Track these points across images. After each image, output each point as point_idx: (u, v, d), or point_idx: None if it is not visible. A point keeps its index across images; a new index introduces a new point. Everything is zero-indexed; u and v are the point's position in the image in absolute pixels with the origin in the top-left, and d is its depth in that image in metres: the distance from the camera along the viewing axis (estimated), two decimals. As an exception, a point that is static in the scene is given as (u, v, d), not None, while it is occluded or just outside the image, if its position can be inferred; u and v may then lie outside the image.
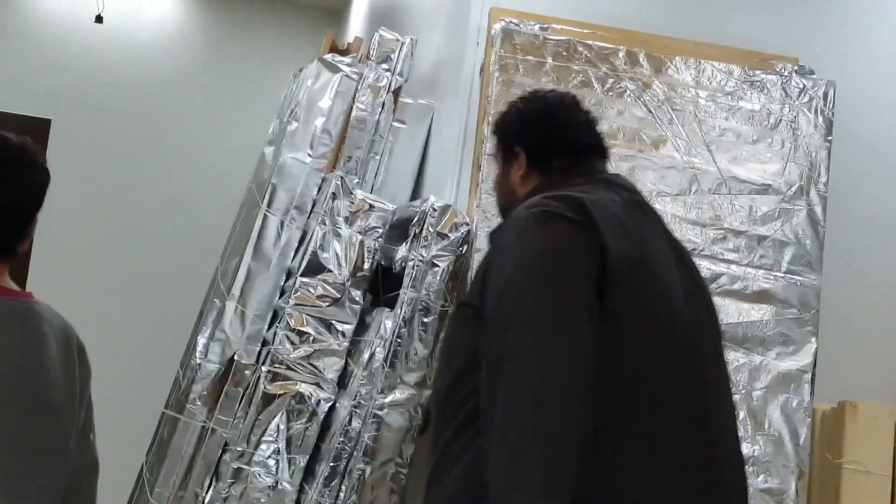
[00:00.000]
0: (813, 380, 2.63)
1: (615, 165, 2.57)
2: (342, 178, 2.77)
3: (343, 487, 2.55)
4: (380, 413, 2.54)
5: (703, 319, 1.62)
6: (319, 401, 2.61)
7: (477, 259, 2.56)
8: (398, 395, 2.57)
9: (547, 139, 1.79)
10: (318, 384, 2.59)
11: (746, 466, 2.25)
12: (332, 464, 2.55)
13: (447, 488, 1.68)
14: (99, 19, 4.66)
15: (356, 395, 2.60)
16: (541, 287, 1.44)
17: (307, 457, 2.59)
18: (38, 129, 4.87)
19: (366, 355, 2.62)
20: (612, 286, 1.45)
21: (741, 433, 2.22)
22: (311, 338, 2.54)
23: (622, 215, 1.55)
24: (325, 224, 2.73)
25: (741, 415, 2.51)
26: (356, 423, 2.57)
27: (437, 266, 2.63)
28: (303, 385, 2.51)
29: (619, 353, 1.47)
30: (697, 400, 1.52)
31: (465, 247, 2.65)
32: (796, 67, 2.77)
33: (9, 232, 1.56)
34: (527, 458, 1.44)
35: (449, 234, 2.65)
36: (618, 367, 1.46)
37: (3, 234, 1.57)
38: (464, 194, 2.75)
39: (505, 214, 1.88)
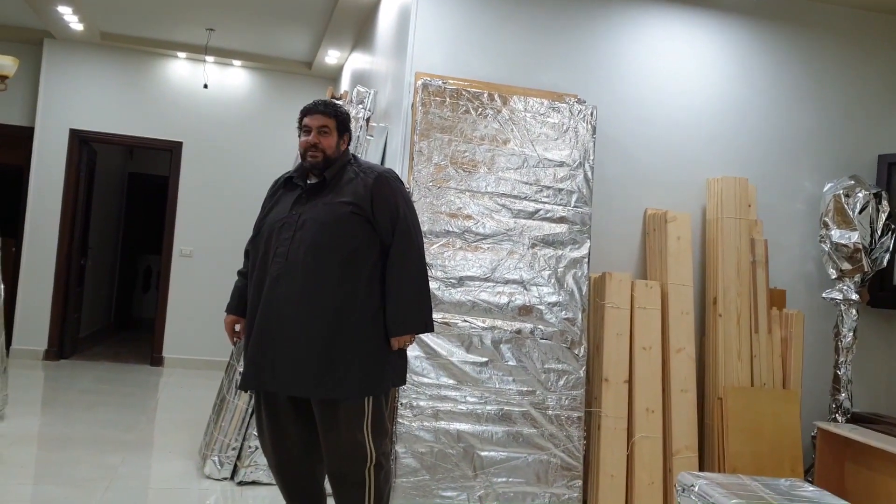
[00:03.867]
0: (588, 261, 4.33)
1: (487, 156, 4.30)
2: None
3: None
4: None
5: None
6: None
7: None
8: None
9: (351, 133, 3.19)
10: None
11: (557, 308, 4.14)
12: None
13: (368, 312, 2.93)
14: (206, 86, 7.66)
15: None
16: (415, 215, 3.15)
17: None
18: (175, 147, 7.70)
19: None
20: None
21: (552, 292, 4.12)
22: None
23: None
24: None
25: (552, 281, 4.36)
26: None
27: None
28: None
29: None
30: None
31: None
32: (577, 99, 4.51)
33: None
34: (427, 298, 3.05)
35: None
36: None
37: None
38: (405, 174, 4.27)
39: (329, 163, 3.04)
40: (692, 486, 3.12)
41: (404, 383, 3.18)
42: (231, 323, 3.23)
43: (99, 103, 7.91)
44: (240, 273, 3.26)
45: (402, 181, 3.19)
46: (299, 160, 3.19)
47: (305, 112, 3.14)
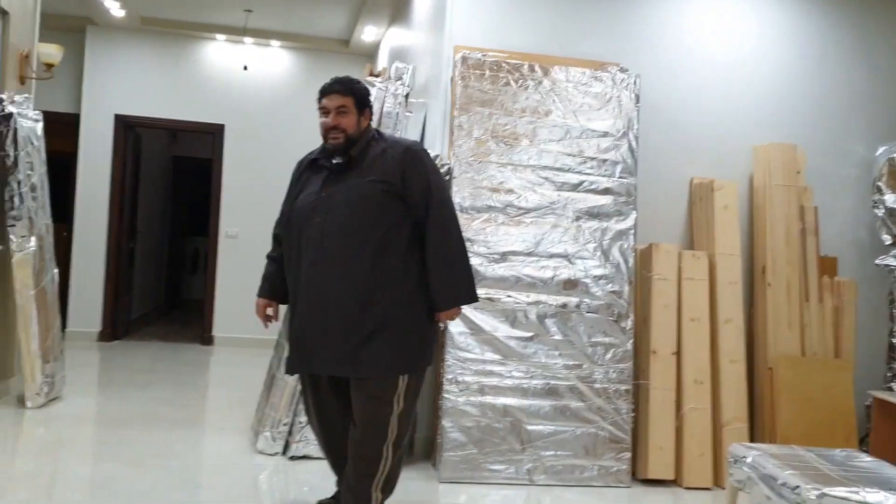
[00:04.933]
0: (634, 233, 4.27)
1: (528, 128, 4.26)
2: None
3: None
4: None
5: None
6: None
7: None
8: None
9: (371, 108, 3.13)
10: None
11: (603, 281, 4.12)
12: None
13: (404, 290, 2.90)
14: (245, 68, 7.75)
15: None
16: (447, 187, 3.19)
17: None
18: (217, 130, 7.87)
19: None
20: None
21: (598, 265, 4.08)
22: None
23: None
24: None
25: (598, 253, 4.26)
26: None
27: None
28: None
29: None
30: None
31: (448, 176, 4.08)
32: (619, 68, 4.44)
33: None
34: (469, 268, 3.05)
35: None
36: None
37: None
38: (445, 149, 4.29)
39: (351, 142, 2.97)
40: (745, 457, 3.08)
41: (431, 363, 3.17)
42: (263, 306, 3.24)
43: (142, 88, 8.00)
44: (270, 258, 3.28)
45: (429, 153, 3.17)
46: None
47: (322, 93, 3.07)
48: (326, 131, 3.02)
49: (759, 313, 4.53)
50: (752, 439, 4.39)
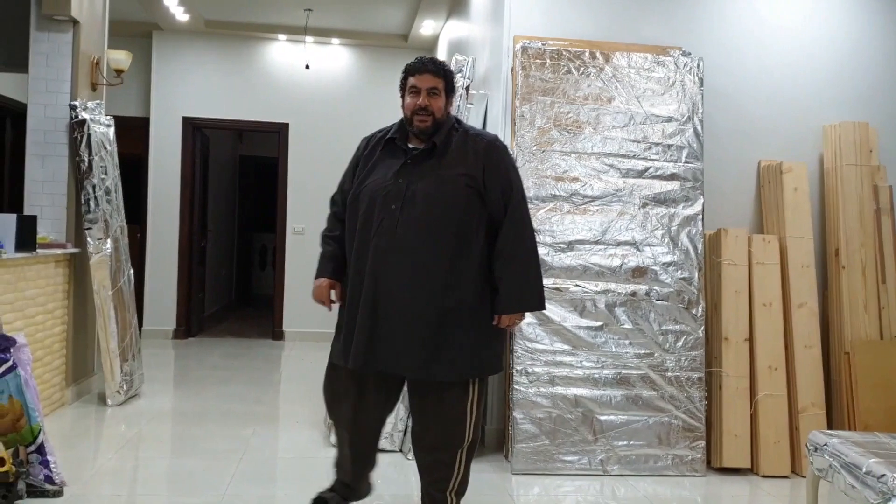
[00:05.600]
0: (702, 218, 4.21)
1: (591, 116, 4.24)
2: None
3: None
4: None
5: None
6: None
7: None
8: None
9: (456, 89, 2.98)
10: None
11: (672, 268, 4.05)
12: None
13: (478, 292, 2.79)
14: (307, 67, 7.88)
15: None
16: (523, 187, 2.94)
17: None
18: (282, 129, 8.00)
19: None
20: None
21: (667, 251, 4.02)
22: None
23: None
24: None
25: (666, 240, 4.21)
26: None
27: None
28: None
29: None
30: None
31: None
32: (682, 52, 4.39)
33: None
34: (540, 274, 2.89)
35: None
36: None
37: None
38: (508, 139, 4.27)
39: (438, 126, 2.82)
40: (825, 445, 3.01)
41: (501, 370, 3.04)
42: (327, 287, 2.97)
43: (207, 90, 8.17)
44: (328, 238, 3.04)
45: (508, 150, 3.03)
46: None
47: (412, 71, 2.88)
48: (413, 112, 2.85)
49: (834, 297, 4.42)
50: (830, 426, 4.29)
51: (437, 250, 2.76)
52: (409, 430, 4.06)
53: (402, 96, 2.91)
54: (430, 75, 2.86)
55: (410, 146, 2.90)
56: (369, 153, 2.98)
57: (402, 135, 2.93)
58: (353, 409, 2.94)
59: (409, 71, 2.90)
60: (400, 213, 2.77)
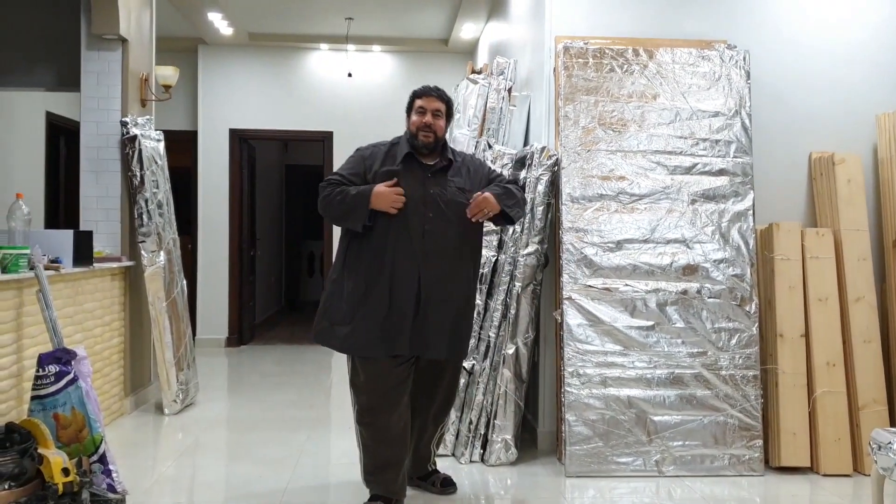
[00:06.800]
0: (753, 213, 4.15)
1: (636, 113, 4.21)
2: (487, 140, 4.43)
3: (506, 297, 4.12)
4: (521, 259, 4.10)
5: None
6: (489, 257, 4.17)
7: (556, 174, 4.07)
8: (530, 248, 4.11)
9: (453, 115, 3.52)
10: (486, 247, 4.11)
11: (724, 265, 4.00)
12: (502, 287, 4.12)
13: (473, 268, 3.41)
14: (350, 75, 7.93)
15: (508, 251, 4.18)
16: None
17: (486, 286, 4.15)
18: (326, 137, 8.06)
19: (510, 230, 4.14)
20: None
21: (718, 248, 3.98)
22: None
23: None
24: (481, 165, 4.43)
25: (716, 237, 4.14)
26: (509, 266, 4.14)
27: (542, 179, 4.11)
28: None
29: None
30: None
31: (556, 167, 4.10)
32: (727, 45, 4.32)
33: None
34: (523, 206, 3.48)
35: (546, 162, 4.12)
36: None
37: None
38: (552, 140, 4.28)
39: (438, 144, 3.32)
40: (889, 443, 2.93)
41: None
42: (391, 185, 3.21)
43: (253, 101, 8.27)
44: (343, 186, 3.27)
45: None
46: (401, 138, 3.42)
47: (420, 94, 3.37)
48: (418, 129, 3.31)
49: (892, 290, 4.31)
50: (893, 423, 4.18)
51: (465, 251, 3.34)
52: (438, 422, 3.92)
53: (408, 116, 3.39)
54: (436, 99, 3.36)
55: (426, 162, 3.34)
56: (381, 162, 3.33)
57: (412, 149, 3.34)
58: (394, 394, 3.27)
59: (416, 94, 3.40)
60: (437, 219, 3.25)
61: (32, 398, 3.32)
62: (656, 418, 4.00)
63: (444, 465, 3.91)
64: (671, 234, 4.14)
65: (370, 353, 3.24)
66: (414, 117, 3.34)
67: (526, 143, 4.72)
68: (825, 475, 4.02)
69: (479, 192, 3.27)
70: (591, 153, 4.18)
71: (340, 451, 4.43)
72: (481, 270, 4.07)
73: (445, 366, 3.44)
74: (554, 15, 4.41)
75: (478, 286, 3.70)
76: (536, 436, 4.38)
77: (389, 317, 3.22)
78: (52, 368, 3.31)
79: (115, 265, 4.93)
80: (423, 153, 3.32)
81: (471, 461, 4.15)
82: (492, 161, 4.33)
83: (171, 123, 7.91)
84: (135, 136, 5.08)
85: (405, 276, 3.22)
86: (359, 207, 3.20)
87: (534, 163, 4.19)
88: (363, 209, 3.19)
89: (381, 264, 3.23)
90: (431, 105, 3.33)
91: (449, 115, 3.40)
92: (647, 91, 4.25)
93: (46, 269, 3.78)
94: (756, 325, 4.11)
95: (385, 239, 3.24)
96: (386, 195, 3.18)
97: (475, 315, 4.06)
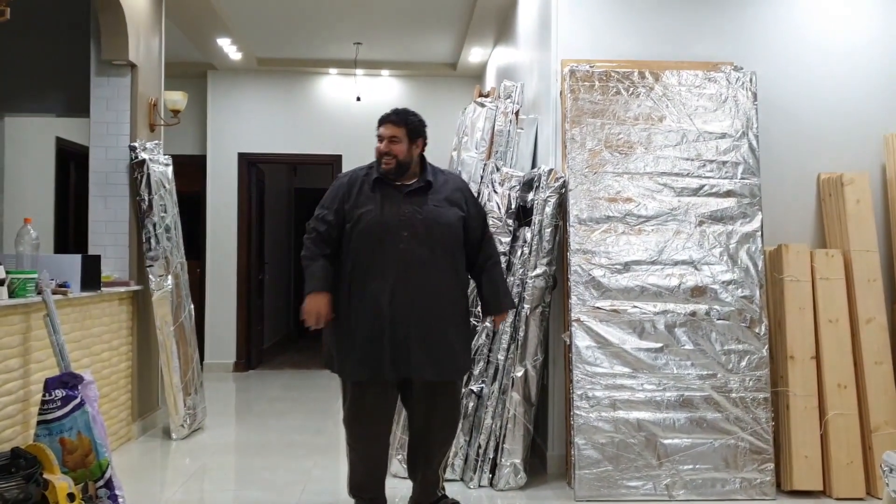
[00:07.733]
0: (762, 234, 4.13)
1: (643, 136, 4.20)
2: (494, 163, 4.43)
3: (515, 319, 4.12)
4: (529, 281, 4.13)
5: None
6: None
7: (550, 195, 4.10)
8: (538, 270, 4.11)
9: (425, 138, 3.44)
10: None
11: (732, 287, 3.97)
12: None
13: (464, 303, 3.43)
14: (358, 99, 7.89)
15: (516, 273, 4.18)
16: None
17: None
18: (335, 161, 8.08)
19: (518, 252, 4.18)
20: None
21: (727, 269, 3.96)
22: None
23: None
24: (488, 187, 4.34)
25: (725, 258, 4.11)
26: (517, 288, 4.13)
27: (549, 201, 4.12)
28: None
29: None
30: None
31: (563, 189, 4.11)
32: (733, 67, 4.32)
33: None
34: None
35: (553, 184, 4.13)
36: None
37: None
38: (559, 163, 4.29)
39: (403, 168, 3.33)
40: (899, 465, 2.90)
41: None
42: (328, 301, 3.30)
43: (261, 126, 8.32)
44: (317, 255, 3.36)
45: None
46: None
47: (379, 122, 3.43)
48: (380, 156, 3.38)
49: (905, 311, 4.27)
50: (906, 445, 4.13)
51: (445, 269, 3.32)
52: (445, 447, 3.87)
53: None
54: (391, 125, 3.39)
55: (400, 183, 3.37)
56: (358, 189, 3.41)
57: (382, 174, 3.40)
58: (377, 417, 3.38)
59: (378, 122, 3.44)
60: (412, 239, 3.27)
61: (39, 423, 3.32)
62: (666, 441, 3.97)
63: (452, 491, 3.88)
64: (679, 255, 4.12)
65: (355, 376, 3.32)
66: (377, 145, 3.42)
67: (534, 166, 4.72)
68: (838, 499, 3.97)
69: (495, 318, 3.61)
70: (597, 175, 4.18)
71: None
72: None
73: (439, 387, 3.38)
74: (560, 38, 4.43)
75: (464, 297, 3.50)
76: (546, 459, 4.35)
77: (370, 340, 3.26)
78: (59, 393, 3.32)
79: (122, 289, 4.94)
80: (390, 178, 3.36)
81: (479, 486, 4.11)
82: (500, 183, 4.34)
83: (181, 148, 7.95)
84: (143, 161, 5.11)
85: (380, 297, 3.25)
86: (307, 285, 3.37)
87: (541, 185, 4.20)
88: (308, 289, 3.36)
89: (358, 289, 3.30)
90: (387, 132, 3.37)
91: (413, 135, 3.38)
92: (653, 113, 4.26)
93: (54, 293, 3.79)
94: (766, 346, 4.08)
95: (360, 264, 3.31)
96: (310, 311, 3.30)
97: (482, 337, 4.10)
